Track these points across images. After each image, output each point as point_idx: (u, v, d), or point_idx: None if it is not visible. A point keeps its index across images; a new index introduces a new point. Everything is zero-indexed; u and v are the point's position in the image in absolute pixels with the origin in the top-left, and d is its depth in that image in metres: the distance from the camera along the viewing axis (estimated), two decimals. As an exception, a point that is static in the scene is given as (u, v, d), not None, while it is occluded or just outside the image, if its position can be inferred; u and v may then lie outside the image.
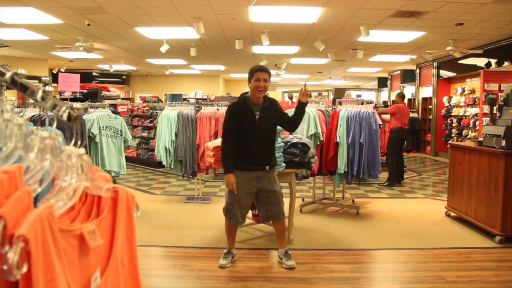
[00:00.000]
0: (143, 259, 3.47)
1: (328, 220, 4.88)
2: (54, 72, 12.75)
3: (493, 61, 9.05)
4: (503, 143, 3.96)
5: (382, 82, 17.12)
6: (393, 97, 14.36)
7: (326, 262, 3.53)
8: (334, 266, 3.42)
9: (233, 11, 6.73)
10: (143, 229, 4.33)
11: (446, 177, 7.18)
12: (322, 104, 5.89)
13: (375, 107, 6.70)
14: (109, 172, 4.71)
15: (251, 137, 3.25)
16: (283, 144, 3.81)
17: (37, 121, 4.15)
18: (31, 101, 1.53)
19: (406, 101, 9.31)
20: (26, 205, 0.80)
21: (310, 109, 4.94)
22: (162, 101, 11.25)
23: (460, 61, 10.44)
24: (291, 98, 9.79)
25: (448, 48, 8.40)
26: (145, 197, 6.10)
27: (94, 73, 15.07)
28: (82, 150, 0.95)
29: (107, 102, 8.36)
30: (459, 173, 4.76)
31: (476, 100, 9.91)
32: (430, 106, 12.31)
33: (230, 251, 3.46)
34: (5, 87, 4.16)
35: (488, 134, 4.26)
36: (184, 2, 6.17)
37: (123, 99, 13.18)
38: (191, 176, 5.74)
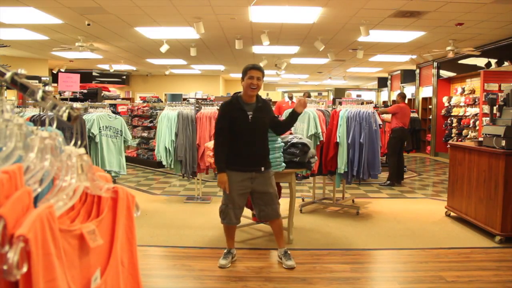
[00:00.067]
0: (143, 259, 3.46)
1: (328, 220, 4.88)
2: (54, 72, 12.75)
3: (493, 61, 9.05)
4: (503, 143, 3.96)
5: (382, 82, 17.11)
6: (393, 97, 14.38)
7: (326, 262, 3.53)
8: (334, 266, 3.42)
9: (233, 11, 6.73)
10: (143, 229, 4.33)
11: (446, 177, 7.18)
12: (322, 104, 5.89)
13: (375, 107, 6.70)
14: (109, 172, 4.71)
15: (245, 138, 3.21)
16: (283, 144, 3.80)
17: (37, 121, 4.15)
18: (31, 101, 1.53)
19: (406, 101, 9.29)
20: (26, 205, 0.80)
21: (310, 109, 4.94)
22: (162, 101, 11.25)
23: (460, 61, 10.44)
24: (291, 98, 9.78)
25: (448, 48, 8.40)
26: (145, 197, 6.10)
27: (94, 73, 15.09)
28: (82, 150, 0.95)
29: (107, 102, 8.36)
30: (459, 173, 4.76)
31: (476, 100, 9.91)
32: (430, 106, 12.31)
33: (230, 251, 3.45)
34: (5, 87, 4.17)
35: (488, 134, 4.26)
36: (184, 2, 6.17)
37: (123, 99, 13.18)
38: (191, 176, 5.74)
